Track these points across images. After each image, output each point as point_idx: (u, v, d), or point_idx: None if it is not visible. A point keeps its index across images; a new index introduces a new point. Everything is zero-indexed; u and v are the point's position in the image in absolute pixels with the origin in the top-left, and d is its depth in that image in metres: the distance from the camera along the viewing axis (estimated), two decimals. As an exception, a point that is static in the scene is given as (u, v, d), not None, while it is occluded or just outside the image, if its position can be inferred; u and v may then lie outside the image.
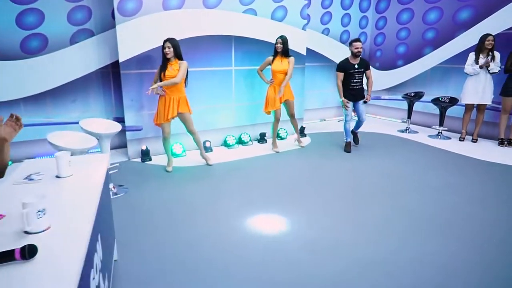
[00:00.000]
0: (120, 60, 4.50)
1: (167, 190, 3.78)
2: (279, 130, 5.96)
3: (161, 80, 4.06)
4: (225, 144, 5.46)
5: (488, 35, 5.30)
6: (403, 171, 4.39)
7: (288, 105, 5.20)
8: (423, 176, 4.18)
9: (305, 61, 6.13)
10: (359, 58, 4.91)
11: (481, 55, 5.39)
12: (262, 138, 5.72)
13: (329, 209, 3.32)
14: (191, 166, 4.60)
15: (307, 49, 6.62)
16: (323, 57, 7.10)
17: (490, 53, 5.33)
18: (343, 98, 4.98)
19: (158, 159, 4.78)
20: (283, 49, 4.89)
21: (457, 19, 6.16)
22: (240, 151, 5.31)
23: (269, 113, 5.12)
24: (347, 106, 4.98)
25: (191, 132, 4.40)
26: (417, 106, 6.61)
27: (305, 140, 5.93)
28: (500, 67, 5.32)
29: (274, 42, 4.98)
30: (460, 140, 5.83)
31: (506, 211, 3.25)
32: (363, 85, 5.06)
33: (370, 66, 5.17)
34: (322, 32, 7.01)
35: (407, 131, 6.41)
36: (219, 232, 2.87)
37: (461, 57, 6.09)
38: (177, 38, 4.12)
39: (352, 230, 2.92)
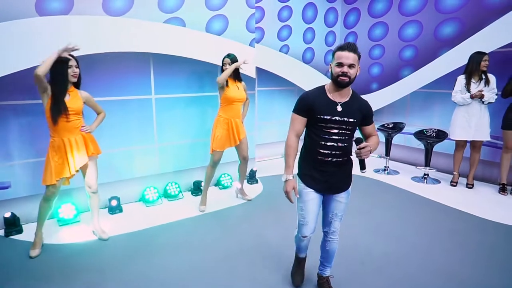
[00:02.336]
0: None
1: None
2: (220, 177, 4.55)
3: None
4: (143, 199, 3.99)
5: (482, 54, 4.17)
6: (372, 250, 3.05)
7: (242, 145, 3.87)
8: (402, 262, 2.85)
9: (255, 85, 4.79)
10: (348, 92, 2.07)
11: (472, 79, 4.23)
12: (197, 188, 4.29)
13: None
14: (75, 243, 3.09)
15: (260, 70, 5.33)
16: (281, 79, 5.82)
17: (484, 76, 4.19)
18: (289, 179, 2.10)
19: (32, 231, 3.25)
20: (234, 72, 3.70)
21: (440, 35, 5.05)
22: (163, 210, 3.85)
23: (218, 153, 3.80)
24: (291, 200, 2.12)
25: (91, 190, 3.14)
26: (397, 138, 5.39)
27: (256, 188, 4.54)
28: (497, 94, 4.17)
29: (221, 63, 3.73)
30: (451, 185, 4.60)
31: None
32: (350, 151, 2.16)
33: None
34: (280, 50, 5.75)
35: (386, 171, 5.15)
36: None
37: (446, 80, 4.96)
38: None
39: None
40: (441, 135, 4.61)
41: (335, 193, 2.16)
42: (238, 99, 3.73)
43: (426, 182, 4.71)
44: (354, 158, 2.10)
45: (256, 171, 4.76)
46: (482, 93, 4.11)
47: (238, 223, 3.52)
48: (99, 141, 3.33)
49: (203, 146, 4.33)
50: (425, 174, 4.76)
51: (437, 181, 4.74)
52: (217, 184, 4.57)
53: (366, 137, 2.19)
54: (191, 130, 4.25)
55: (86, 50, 3.39)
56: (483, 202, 4.04)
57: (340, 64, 1.94)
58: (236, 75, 3.77)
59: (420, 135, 4.74)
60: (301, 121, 2.09)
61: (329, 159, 2.07)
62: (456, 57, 4.87)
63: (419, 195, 4.28)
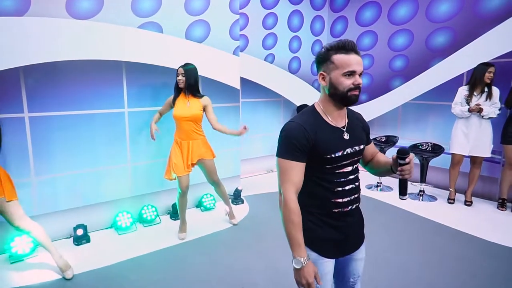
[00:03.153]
0: None
1: None
2: (202, 198, 4.13)
3: None
4: (115, 226, 3.52)
5: (487, 65, 3.93)
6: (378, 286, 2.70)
7: (205, 168, 3.41)
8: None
9: (239, 96, 4.43)
10: (344, 109, 1.50)
11: (474, 92, 4.00)
12: (176, 212, 3.85)
13: None
14: (29, 286, 2.60)
15: (244, 80, 4.98)
16: (267, 90, 5.49)
17: (487, 89, 3.96)
18: (305, 263, 1.36)
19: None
20: (187, 85, 3.19)
21: (432, 45, 4.84)
22: (137, 238, 3.39)
23: (181, 179, 3.32)
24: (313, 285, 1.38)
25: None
26: (389, 152, 5.12)
27: (242, 210, 4.13)
28: (499, 109, 3.94)
29: (176, 72, 3.28)
30: (449, 203, 4.34)
31: None
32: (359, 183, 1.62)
33: None
34: (265, 59, 5.43)
35: (379, 187, 4.85)
36: None
37: (439, 91, 4.75)
38: (19, 64, 2.37)
39: None
40: (437, 149, 4.36)
41: (354, 250, 1.56)
42: (183, 118, 3.19)
43: (422, 200, 4.43)
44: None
45: (241, 190, 4.36)
46: (481, 107, 3.89)
47: (222, 254, 3.10)
48: (60, 160, 2.88)
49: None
50: (420, 191, 4.49)
51: (433, 198, 4.47)
52: (199, 205, 4.15)
53: (369, 159, 1.65)
54: (168, 147, 3.82)
55: (45, 57, 2.95)
56: (483, 222, 3.77)
57: (351, 74, 1.35)
58: (192, 89, 3.20)
59: (414, 149, 4.48)
60: (300, 169, 1.38)
61: (350, 207, 1.47)
62: (449, 67, 4.66)
63: (416, 214, 3.98)
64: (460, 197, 4.44)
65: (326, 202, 1.44)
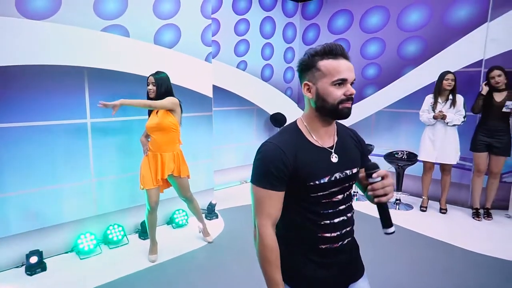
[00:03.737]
0: None
1: None
2: (174, 214, 3.85)
3: None
4: (77, 250, 3.16)
5: (447, 72, 4.00)
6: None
7: (177, 184, 3.15)
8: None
9: (211, 105, 4.21)
10: (334, 125, 1.29)
11: (439, 99, 4.05)
12: (146, 230, 3.54)
13: None
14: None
15: (216, 88, 4.77)
16: (239, 98, 5.31)
17: (451, 96, 4.01)
18: None
19: None
20: (158, 95, 2.93)
21: (403, 53, 4.88)
22: (102, 262, 3.06)
23: (150, 192, 3.05)
24: None
25: None
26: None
27: (216, 225, 3.89)
28: (464, 117, 3.99)
29: (146, 81, 3.02)
30: (421, 210, 4.33)
31: None
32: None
33: None
34: (238, 66, 5.25)
35: (355, 197, 4.78)
36: None
37: (412, 99, 4.79)
38: None
39: None
40: (412, 158, 4.35)
41: (350, 283, 1.33)
42: (152, 127, 2.94)
43: (398, 208, 4.40)
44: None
45: (215, 204, 4.12)
46: (444, 113, 3.93)
47: (198, 278, 2.85)
48: (11, 178, 2.53)
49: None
50: (397, 200, 4.46)
51: (410, 207, 4.45)
52: (170, 222, 3.86)
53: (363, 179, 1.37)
54: (137, 160, 3.52)
55: (-7, 62, 2.59)
56: (460, 230, 3.78)
57: (341, 82, 1.13)
58: (158, 99, 2.91)
59: (390, 158, 4.45)
60: (277, 198, 1.17)
61: (340, 243, 1.24)
62: (421, 76, 4.71)
63: (396, 225, 3.91)
64: (433, 204, 4.45)
65: (311, 236, 1.21)
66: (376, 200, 1.15)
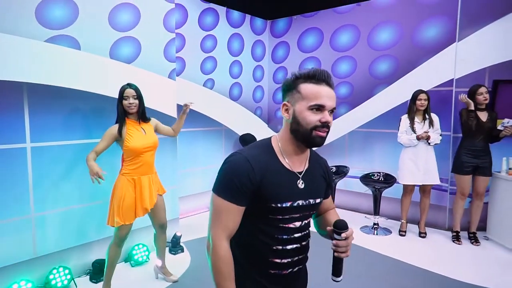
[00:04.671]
0: None
1: None
2: (132, 250, 3.38)
3: None
4: (9, 301, 2.61)
5: (420, 92, 3.91)
6: None
7: (156, 209, 2.83)
8: None
9: (177, 127, 3.83)
10: (307, 152, 1.27)
11: (416, 119, 3.94)
12: (98, 271, 3.04)
13: None
14: None
15: (181, 107, 4.40)
16: (206, 118, 4.97)
17: (427, 116, 3.92)
18: None
19: None
20: (141, 110, 2.69)
21: (375, 72, 4.79)
22: (40, 315, 2.53)
23: (126, 227, 2.68)
24: None
25: None
26: (341, 184, 4.86)
27: (182, 261, 3.45)
28: (441, 135, 3.91)
29: (118, 95, 2.65)
30: (400, 235, 4.13)
31: None
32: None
33: None
34: (204, 85, 4.93)
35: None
36: None
37: (385, 119, 4.67)
38: None
39: None
40: (389, 179, 4.18)
41: None
42: (147, 148, 2.70)
43: (376, 234, 4.17)
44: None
45: (180, 236, 3.68)
46: (429, 134, 3.81)
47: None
48: None
49: (103, 210, 3.16)
50: (375, 224, 4.23)
51: (388, 231, 4.23)
52: (128, 259, 3.37)
53: (320, 213, 1.40)
54: (85, 190, 3.05)
55: None
56: (443, 256, 3.59)
57: (319, 108, 1.12)
58: (144, 114, 2.74)
59: (366, 179, 4.26)
60: (237, 213, 1.14)
61: (290, 270, 1.24)
62: (393, 95, 4.62)
63: (372, 251, 3.67)
64: (411, 227, 4.27)
65: (262, 259, 1.20)
66: (336, 254, 1.17)
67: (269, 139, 1.24)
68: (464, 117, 3.74)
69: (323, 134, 1.13)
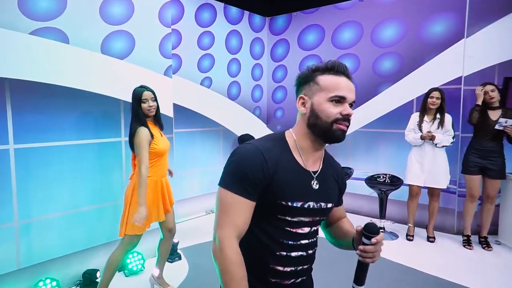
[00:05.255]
0: None
1: None
2: (127, 258, 3.15)
3: None
4: (-10, 318, 2.39)
5: (433, 90, 3.74)
6: None
7: (170, 214, 2.73)
8: None
9: (172, 126, 3.63)
10: (322, 150, 1.17)
11: (426, 118, 3.76)
12: (89, 282, 2.82)
13: None
14: None
15: (177, 107, 4.22)
16: (204, 118, 4.77)
17: (438, 116, 3.74)
18: None
19: None
20: (157, 112, 2.63)
21: (379, 70, 4.62)
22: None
23: (139, 236, 2.51)
24: None
25: None
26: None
27: (180, 269, 3.24)
28: (453, 137, 3.73)
29: (134, 98, 2.49)
30: (408, 239, 3.95)
31: None
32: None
33: None
34: (202, 83, 4.73)
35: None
36: None
37: (390, 118, 4.50)
38: None
39: None
40: (395, 181, 4.00)
41: None
42: (167, 149, 2.66)
43: (383, 238, 3.99)
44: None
45: (177, 243, 3.47)
46: (433, 134, 3.63)
47: None
48: None
49: (94, 216, 2.95)
50: (380, 228, 4.05)
51: (395, 236, 4.05)
52: (122, 268, 3.15)
53: (332, 223, 1.31)
54: (75, 195, 2.84)
55: None
56: (455, 263, 3.41)
57: (339, 100, 1.05)
58: (158, 118, 2.64)
59: (372, 182, 4.08)
60: (248, 208, 1.03)
61: (292, 281, 1.13)
62: (398, 94, 4.45)
63: (380, 257, 3.48)
64: (419, 231, 4.09)
65: (262, 265, 1.10)
66: (361, 259, 1.07)
67: (283, 133, 1.15)
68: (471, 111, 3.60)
69: (344, 128, 1.05)
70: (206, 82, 4.78)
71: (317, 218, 1.14)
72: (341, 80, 1.06)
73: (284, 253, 1.09)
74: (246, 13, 5.31)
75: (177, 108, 4.22)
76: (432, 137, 3.63)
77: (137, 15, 3.15)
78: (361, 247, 1.05)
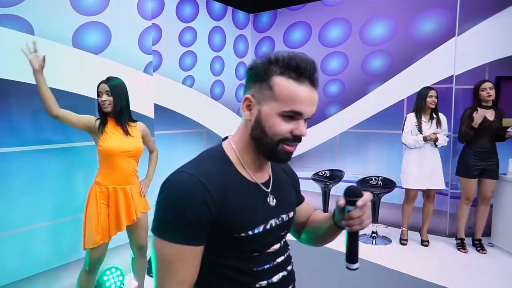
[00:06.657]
0: None
1: None
2: (103, 274, 2.85)
3: None
4: None
5: (429, 89, 3.62)
6: None
7: (136, 228, 2.37)
8: None
9: (153, 128, 3.35)
10: (268, 163, 1.03)
11: (423, 118, 3.64)
12: (59, 305, 2.51)
13: None
14: None
15: (158, 107, 3.92)
16: (186, 119, 4.48)
17: (435, 116, 3.63)
18: None
19: None
20: (117, 109, 2.24)
21: (368, 69, 4.48)
22: None
23: (100, 249, 2.26)
24: None
25: None
26: (336, 190, 4.49)
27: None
28: (447, 136, 3.63)
29: (97, 91, 2.23)
30: (402, 244, 3.82)
31: None
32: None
33: None
34: (183, 82, 4.44)
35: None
36: None
37: (380, 118, 4.37)
38: None
39: None
40: (389, 184, 3.86)
41: None
42: (126, 152, 2.25)
43: (375, 243, 3.84)
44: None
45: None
46: (437, 135, 3.52)
47: None
48: None
49: (72, 228, 2.63)
50: (373, 233, 3.90)
51: (388, 240, 3.91)
52: (98, 286, 2.84)
53: (303, 222, 1.14)
54: (49, 205, 2.51)
55: None
56: (451, 268, 3.30)
57: (294, 116, 0.85)
58: (124, 114, 2.28)
59: (364, 184, 3.92)
60: (195, 256, 0.83)
61: None
62: (388, 93, 4.33)
63: (373, 263, 3.33)
64: (412, 235, 3.97)
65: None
66: (348, 229, 0.91)
67: (220, 146, 0.95)
68: (465, 115, 3.48)
69: (292, 149, 0.88)
70: (188, 81, 4.49)
71: (283, 232, 1.00)
72: (302, 90, 0.83)
73: (265, 283, 0.91)
74: (230, 9, 5.06)
75: (157, 108, 3.91)
76: (436, 139, 3.51)
77: (113, 5, 2.85)
78: (346, 215, 0.89)
